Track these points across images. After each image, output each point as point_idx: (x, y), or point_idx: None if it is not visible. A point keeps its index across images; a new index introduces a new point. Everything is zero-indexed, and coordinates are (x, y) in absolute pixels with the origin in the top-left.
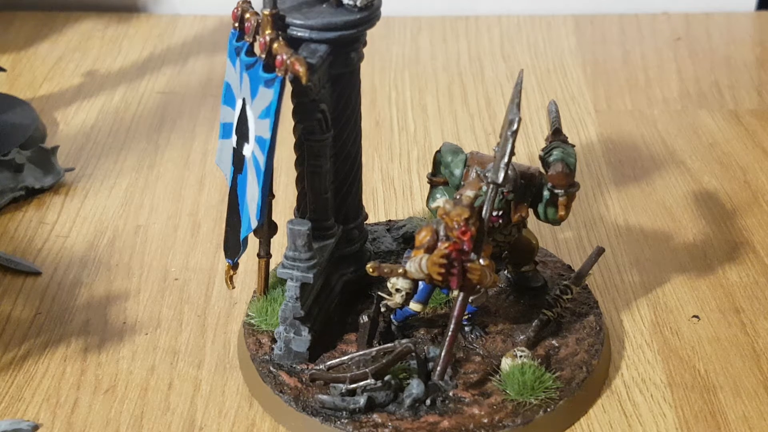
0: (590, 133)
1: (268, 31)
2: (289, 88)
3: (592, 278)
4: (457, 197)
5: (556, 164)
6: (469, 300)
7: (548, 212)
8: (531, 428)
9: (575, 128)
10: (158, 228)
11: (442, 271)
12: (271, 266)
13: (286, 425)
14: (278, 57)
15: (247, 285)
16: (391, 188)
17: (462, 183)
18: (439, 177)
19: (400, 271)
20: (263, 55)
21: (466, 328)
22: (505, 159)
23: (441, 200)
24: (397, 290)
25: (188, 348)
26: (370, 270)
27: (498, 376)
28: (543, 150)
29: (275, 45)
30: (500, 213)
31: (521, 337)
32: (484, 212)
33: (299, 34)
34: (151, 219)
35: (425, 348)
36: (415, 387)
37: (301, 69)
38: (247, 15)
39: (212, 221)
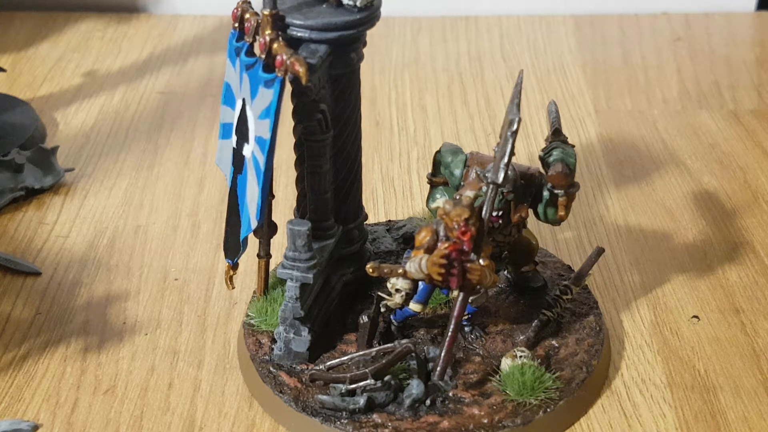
0: (590, 133)
1: (268, 32)
2: (289, 88)
3: (592, 278)
4: (457, 197)
5: (556, 164)
6: (469, 300)
7: (548, 212)
8: (531, 428)
9: (575, 128)
10: (158, 228)
11: (442, 271)
12: (271, 266)
13: (286, 425)
14: (278, 57)
15: (247, 285)
16: (391, 188)
17: (462, 183)
18: (439, 177)
19: (400, 271)
20: (263, 56)
21: (466, 329)
22: (505, 159)
23: (441, 200)
24: (397, 290)
25: (188, 348)
26: (370, 270)
27: (498, 377)
28: (543, 150)
29: (275, 45)
30: (500, 213)
31: (521, 338)
32: (484, 212)
33: (299, 34)
34: (151, 219)
35: (425, 348)
36: (415, 387)
37: (300, 69)
38: (247, 15)
39: (212, 221)
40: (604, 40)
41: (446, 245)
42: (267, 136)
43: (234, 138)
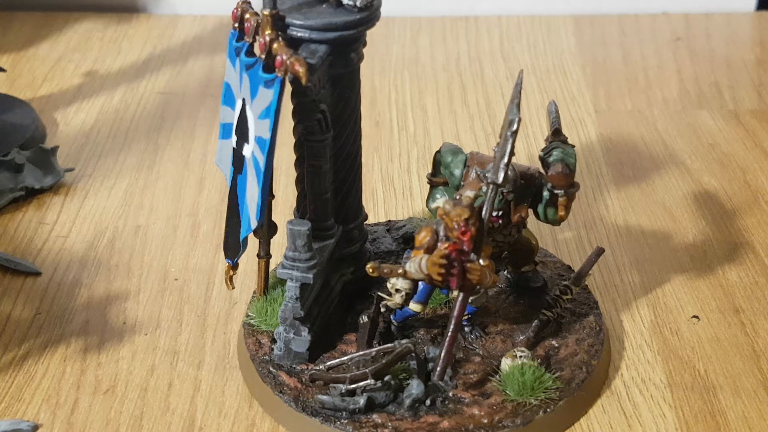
0: (590, 133)
1: (267, 32)
2: (289, 88)
3: (592, 278)
4: (457, 197)
5: (556, 165)
6: (469, 300)
7: (548, 213)
8: (531, 428)
9: (575, 128)
10: (158, 228)
11: (442, 271)
12: (271, 266)
13: (286, 425)
14: (278, 57)
15: (247, 285)
16: (391, 188)
17: (462, 183)
18: (438, 177)
19: (400, 271)
20: (263, 56)
21: (466, 329)
22: (505, 159)
23: (441, 200)
24: (397, 290)
25: (188, 348)
26: (370, 270)
27: (498, 377)
28: (543, 150)
29: (275, 45)
30: (500, 213)
31: (521, 338)
32: (484, 212)
33: (299, 34)
34: (151, 219)
35: (425, 348)
36: (415, 387)
37: (300, 69)
38: (247, 15)
39: (212, 221)
40: (604, 40)
41: (446, 245)
42: (267, 136)
43: (234, 138)
